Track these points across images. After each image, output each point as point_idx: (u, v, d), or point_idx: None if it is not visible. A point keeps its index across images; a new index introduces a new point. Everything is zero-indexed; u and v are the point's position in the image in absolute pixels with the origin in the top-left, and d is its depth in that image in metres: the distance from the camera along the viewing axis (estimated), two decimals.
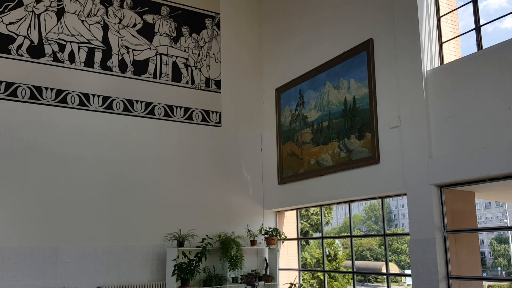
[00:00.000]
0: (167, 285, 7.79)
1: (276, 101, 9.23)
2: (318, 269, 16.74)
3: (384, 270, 19.87)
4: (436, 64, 6.28)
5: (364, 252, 42.03)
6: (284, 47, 9.27)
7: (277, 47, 9.51)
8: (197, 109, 8.96)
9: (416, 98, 6.22)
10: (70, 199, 7.47)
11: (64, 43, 7.88)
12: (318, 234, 19.31)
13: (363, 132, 7.10)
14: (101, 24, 8.26)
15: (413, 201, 6.21)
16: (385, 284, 7.63)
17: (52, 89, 7.62)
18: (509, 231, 38.96)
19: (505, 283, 28.11)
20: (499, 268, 42.40)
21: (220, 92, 9.28)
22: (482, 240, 44.00)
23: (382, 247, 40.71)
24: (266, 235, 8.89)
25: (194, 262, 7.71)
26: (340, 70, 7.65)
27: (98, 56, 8.13)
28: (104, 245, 7.63)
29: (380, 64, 6.94)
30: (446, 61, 6.29)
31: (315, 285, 18.24)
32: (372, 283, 35.12)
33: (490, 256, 45.24)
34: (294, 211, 9.34)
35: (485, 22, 5.84)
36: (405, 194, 6.47)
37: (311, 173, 8.13)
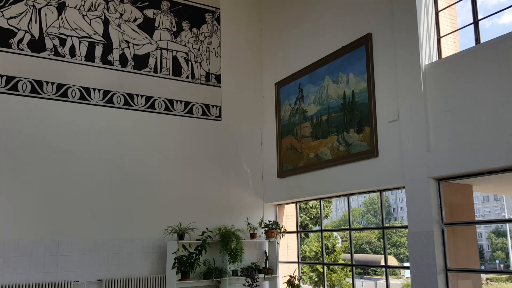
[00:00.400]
0: (167, 278, 7.86)
1: (276, 95, 9.26)
2: (317, 261, 16.86)
3: (383, 263, 20.02)
4: (434, 58, 6.31)
5: (363, 245, 42.24)
6: (284, 41, 9.29)
7: (277, 41, 9.52)
8: (197, 103, 9.00)
9: (415, 92, 6.25)
10: (70, 192, 7.52)
11: (65, 37, 7.90)
12: (317, 227, 19.41)
13: (362, 126, 7.14)
14: (101, 19, 8.28)
15: (412, 194, 6.26)
16: (384, 277, 7.70)
17: (52, 83, 7.65)
18: (507, 224, 39.10)
19: (503, 276, 28.31)
20: (497, 261, 42.61)
21: (220, 87, 9.31)
22: (480, 233, 44.19)
23: (381, 240, 40.88)
24: (266, 228, 8.95)
25: (194, 255, 7.78)
26: (339, 64, 7.68)
27: (98, 50, 8.16)
28: (105, 238, 7.68)
29: (379, 59, 6.97)
30: (444, 55, 6.31)
31: (314, 277, 18.37)
32: (371, 275, 35.31)
33: (488, 249, 45.46)
34: (294, 205, 9.40)
35: (483, 16, 5.88)
36: (404, 188, 6.51)
37: (311, 166, 8.18)
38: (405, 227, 6.54)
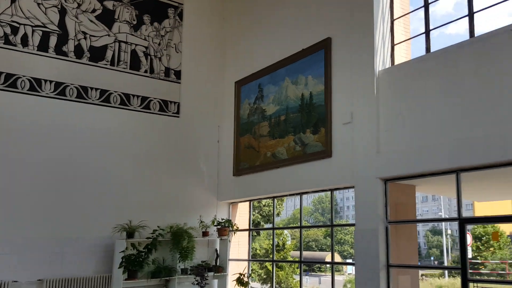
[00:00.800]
0: (113, 277, 7.63)
1: (236, 94, 9.30)
2: (267, 259, 17.12)
3: (328, 260, 20.63)
4: (388, 64, 6.61)
5: (310, 242, 43.29)
6: (246, 41, 9.34)
7: (239, 41, 9.55)
8: (155, 98, 8.85)
9: (368, 96, 6.53)
10: (11, 188, 7.16)
11: (18, 25, 7.52)
12: (269, 225, 19.68)
13: (318, 127, 7.36)
14: (58, 8, 7.94)
15: (360, 194, 6.53)
16: (328, 274, 7.98)
17: (1, 73, 7.26)
18: (443, 223, 41.70)
19: (437, 272, 30.14)
20: (432, 258, 45.27)
21: (179, 83, 9.20)
22: (418, 231, 46.74)
23: (327, 238, 42.06)
24: (219, 226, 8.92)
25: (143, 253, 7.65)
26: (299, 66, 7.87)
27: (53, 40, 7.83)
28: (48, 236, 7.36)
29: (337, 62, 7.17)
30: (397, 62, 6.62)
31: (262, 275, 18.61)
32: (316, 272, 36.27)
33: (425, 246, 48.14)
34: (247, 203, 9.47)
35: (434, 27, 6.27)
36: (353, 187, 6.75)
37: (267, 165, 8.29)
38: (353, 224, 6.79)
